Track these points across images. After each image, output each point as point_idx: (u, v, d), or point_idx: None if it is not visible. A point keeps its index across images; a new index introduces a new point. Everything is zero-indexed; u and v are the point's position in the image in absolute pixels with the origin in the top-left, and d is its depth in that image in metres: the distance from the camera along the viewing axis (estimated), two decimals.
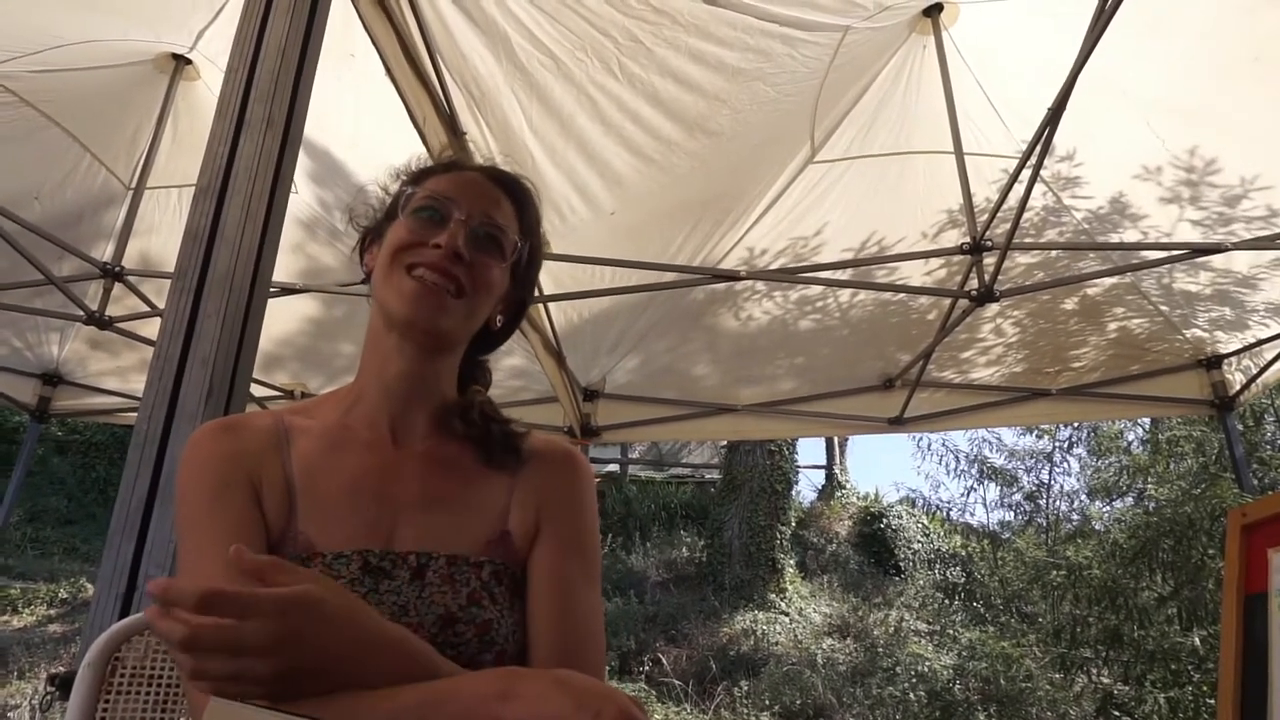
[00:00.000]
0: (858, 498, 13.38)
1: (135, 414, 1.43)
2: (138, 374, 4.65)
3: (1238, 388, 4.31)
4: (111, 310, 3.84)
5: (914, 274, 3.93)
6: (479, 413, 1.04)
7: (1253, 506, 2.02)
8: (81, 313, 3.79)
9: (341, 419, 1.02)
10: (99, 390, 4.87)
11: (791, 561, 10.95)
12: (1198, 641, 5.10)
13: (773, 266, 3.92)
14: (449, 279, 0.99)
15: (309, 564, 0.90)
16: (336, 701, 0.71)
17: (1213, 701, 4.80)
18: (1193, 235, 3.58)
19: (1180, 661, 5.21)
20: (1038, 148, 2.83)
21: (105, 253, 3.87)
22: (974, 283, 3.30)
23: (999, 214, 3.22)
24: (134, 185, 3.74)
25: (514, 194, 1.10)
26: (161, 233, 3.99)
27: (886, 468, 36.91)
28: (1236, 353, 4.26)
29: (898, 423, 4.58)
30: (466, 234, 1.01)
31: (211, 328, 1.43)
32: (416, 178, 1.09)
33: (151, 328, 3.85)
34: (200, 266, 1.47)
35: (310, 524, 0.93)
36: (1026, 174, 2.98)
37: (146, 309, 3.93)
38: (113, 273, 3.75)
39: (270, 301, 1.70)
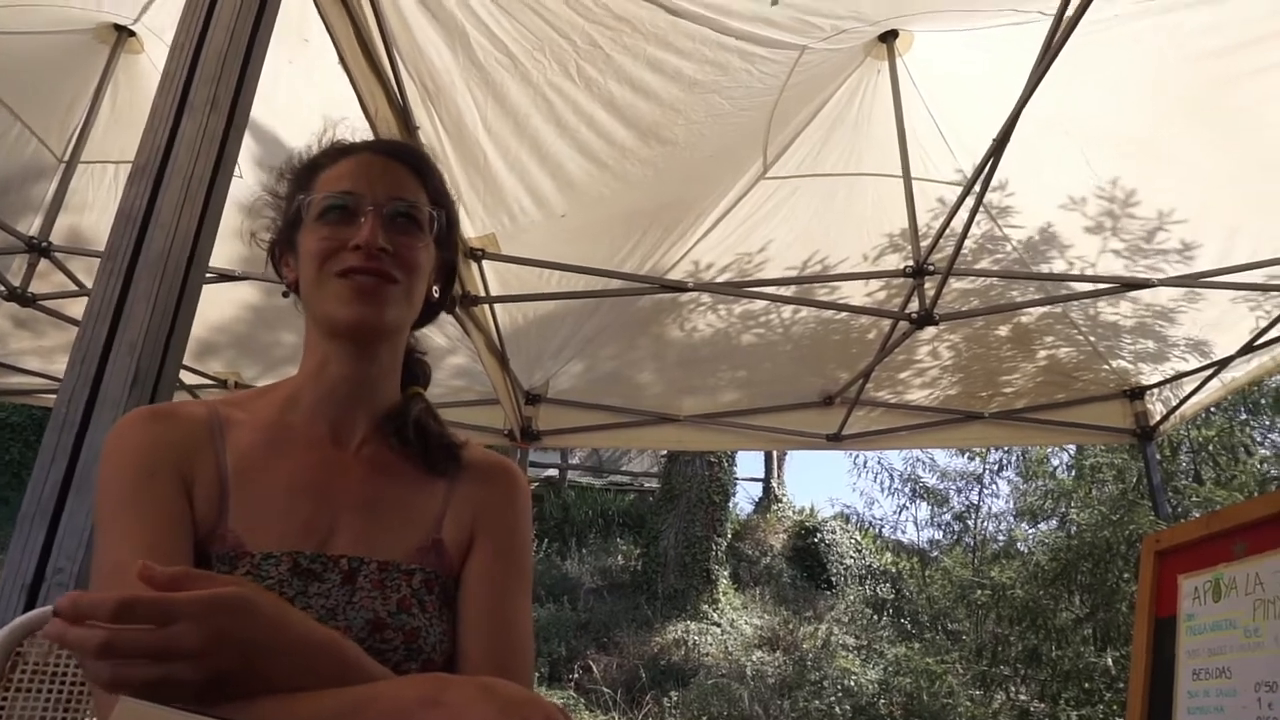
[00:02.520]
0: (793, 512, 13.53)
1: (55, 396, 1.37)
2: (61, 355, 4.47)
3: (1158, 418, 4.49)
4: (36, 287, 3.68)
5: (855, 294, 4.00)
6: (414, 429, 1.01)
7: (1166, 534, 2.11)
8: (3, 288, 3.64)
9: (279, 417, 0.99)
10: (18, 370, 4.66)
11: (725, 573, 11.02)
12: (1110, 662, 5.29)
13: (719, 280, 3.95)
14: (379, 275, 0.96)
15: (237, 564, 0.87)
16: (256, 705, 0.69)
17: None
18: (1115, 266, 3.74)
19: (1094, 681, 5.40)
20: (981, 177, 2.92)
21: (32, 227, 3.71)
22: (914, 305, 3.38)
23: (940, 239, 3.30)
24: (67, 158, 3.60)
25: (412, 164, 1.06)
26: (94, 210, 3.84)
27: (823, 483, 37.54)
28: (1158, 385, 4.43)
29: (836, 439, 4.66)
30: (381, 223, 0.97)
31: (141, 312, 1.38)
32: (307, 174, 1.05)
33: (78, 307, 3.70)
34: (133, 248, 1.42)
35: (241, 522, 0.90)
36: (970, 201, 3.07)
37: (74, 288, 3.78)
38: (39, 248, 3.60)
39: (208, 287, 1.64)
